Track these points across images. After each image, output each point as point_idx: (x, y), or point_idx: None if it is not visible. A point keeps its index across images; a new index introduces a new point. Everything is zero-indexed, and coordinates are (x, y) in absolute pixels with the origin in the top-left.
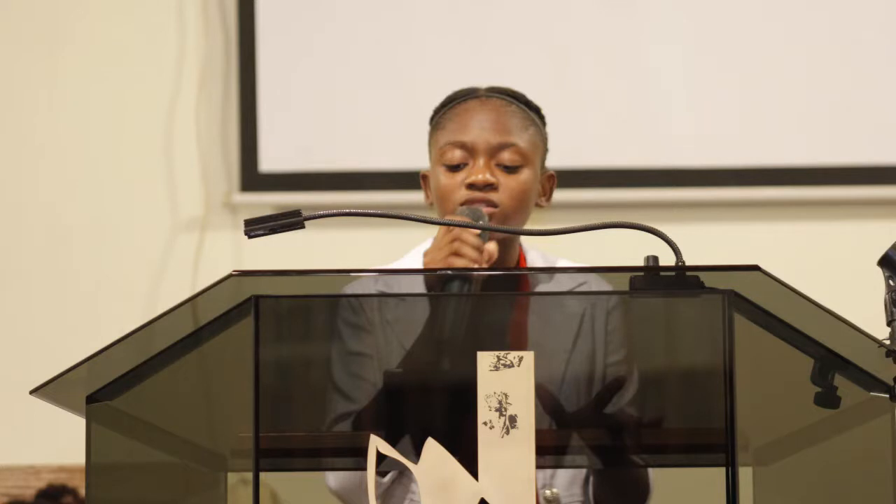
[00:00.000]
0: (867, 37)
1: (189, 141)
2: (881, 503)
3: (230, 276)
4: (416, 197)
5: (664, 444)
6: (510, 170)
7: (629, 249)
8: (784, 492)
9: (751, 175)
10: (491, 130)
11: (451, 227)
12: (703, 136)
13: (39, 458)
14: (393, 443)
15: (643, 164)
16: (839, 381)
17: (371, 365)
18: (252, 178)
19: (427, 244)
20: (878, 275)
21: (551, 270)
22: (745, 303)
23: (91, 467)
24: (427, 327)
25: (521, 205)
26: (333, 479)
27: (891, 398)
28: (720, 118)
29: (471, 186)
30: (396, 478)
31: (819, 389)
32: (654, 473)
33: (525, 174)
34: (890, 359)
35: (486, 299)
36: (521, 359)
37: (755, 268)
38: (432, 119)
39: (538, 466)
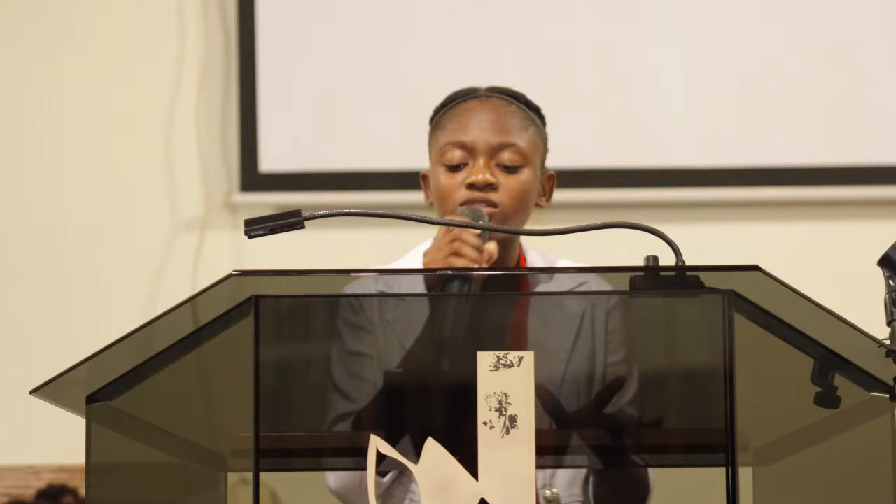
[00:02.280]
0: (867, 37)
1: (189, 141)
2: (881, 503)
3: (230, 276)
4: (416, 197)
5: (664, 444)
6: (510, 170)
7: (629, 249)
8: (784, 492)
9: (751, 175)
10: (491, 130)
11: (451, 227)
12: (703, 136)
13: (39, 458)
14: (393, 443)
15: (643, 164)
16: (839, 381)
17: (371, 365)
18: (252, 178)
19: (427, 244)
20: (878, 275)
21: (551, 270)
22: (745, 303)
23: (91, 467)
24: (427, 327)
25: (521, 205)
26: (333, 479)
27: (891, 398)
28: (720, 118)
29: (471, 186)
30: (396, 478)
31: (819, 389)
32: (654, 473)
33: (525, 174)
34: (890, 359)
35: (486, 299)
36: (521, 359)
37: (755, 268)
38: (432, 119)
39: (538, 466)
